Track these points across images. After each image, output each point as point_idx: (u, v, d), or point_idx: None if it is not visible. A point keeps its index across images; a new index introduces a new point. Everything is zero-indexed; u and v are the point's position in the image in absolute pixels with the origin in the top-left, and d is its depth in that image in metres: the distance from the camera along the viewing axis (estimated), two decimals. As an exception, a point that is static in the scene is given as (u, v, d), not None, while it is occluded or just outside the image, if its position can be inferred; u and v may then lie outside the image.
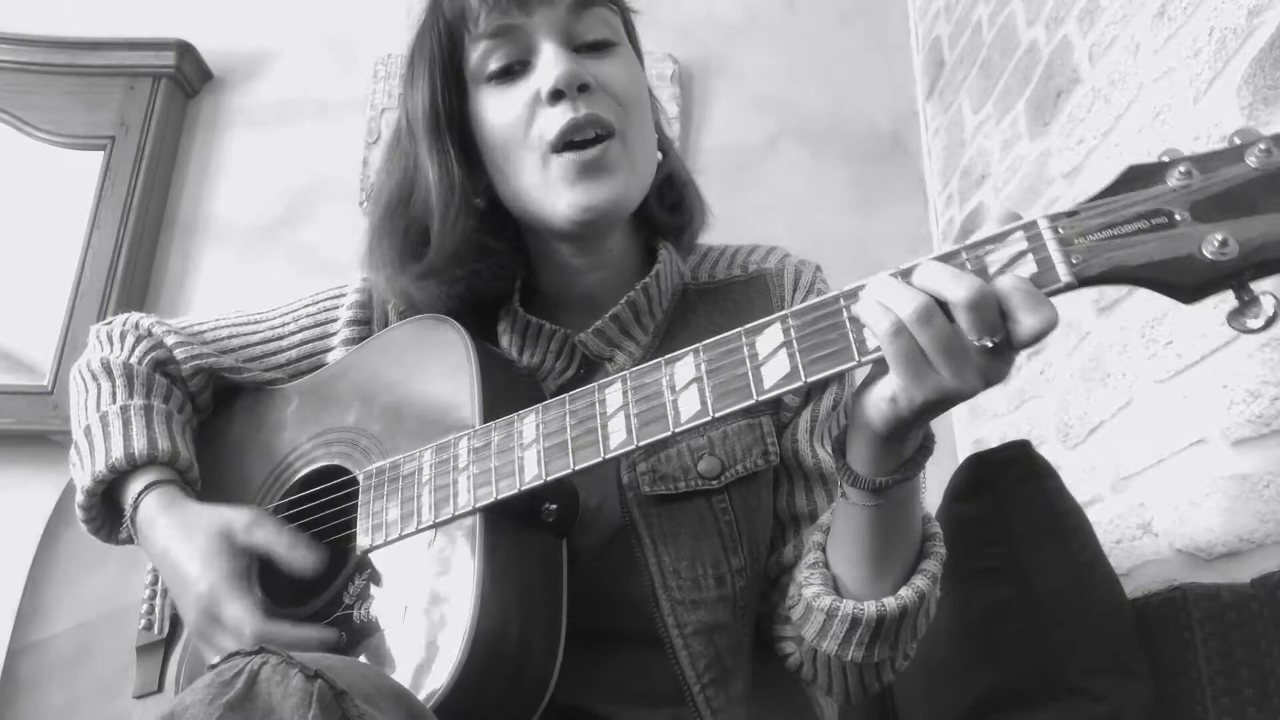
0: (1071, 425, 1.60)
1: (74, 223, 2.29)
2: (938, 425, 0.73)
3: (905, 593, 0.76)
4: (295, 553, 0.83)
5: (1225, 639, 1.02)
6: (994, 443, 1.56)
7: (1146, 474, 1.35)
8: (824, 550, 0.81)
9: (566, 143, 0.84)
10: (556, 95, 0.84)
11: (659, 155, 0.94)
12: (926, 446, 0.72)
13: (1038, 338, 0.59)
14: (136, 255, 2.29)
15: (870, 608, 0.76)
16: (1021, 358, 1.81)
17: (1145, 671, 1.08)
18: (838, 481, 0.76)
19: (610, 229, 0.92)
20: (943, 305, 0.61)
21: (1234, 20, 1.17)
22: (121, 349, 1.02)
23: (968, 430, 2.10)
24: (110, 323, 1.06)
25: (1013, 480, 1.17)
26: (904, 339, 0.61)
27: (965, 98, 2.17)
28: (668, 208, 0.97)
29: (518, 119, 0.86)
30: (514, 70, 0.87)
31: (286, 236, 2.35)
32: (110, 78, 2.39)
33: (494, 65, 0.87)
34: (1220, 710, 1.01)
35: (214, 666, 0.59)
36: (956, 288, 0.60)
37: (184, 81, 2.46)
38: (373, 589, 0.81)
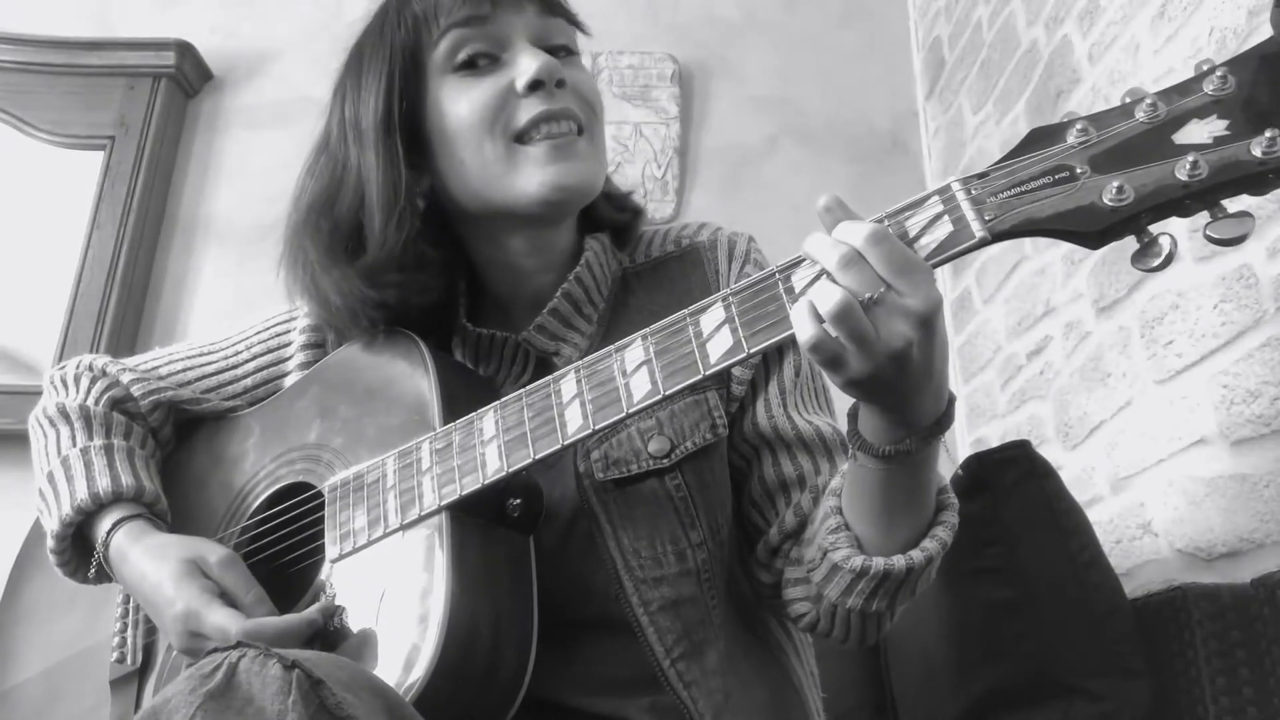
0: (1071, 425, 1.60)
1: (74, 223, 2.29)
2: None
3: (916, 555, 0.77)
4: (258, 608, 0.83)
5: (1225, 639, 1.02)
6: (994, 443, 1.57)
7: (1146, 474, 1.35)
8: (841, 513, 0.81)
9: (539, 133, 0.87)
10: (535, 85, 0.87)
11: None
12: (942, 423, 0.72)
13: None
14: (136, 255, 2.30)
15: (899, 561, 0.77)
16: (1022, 357, 1.81)
17: (1145, 671, 1.08)
18: (846, 447, 0.77)
19: (567, 218, 0.95)
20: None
21: (1234, 20, 1.17)
22: (77, 392, 1.02)
23: (968, 430, 2.10)
24: (64, 366, 1.06)
25: (1012, 480, 1.18)
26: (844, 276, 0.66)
27: (965, 98, 2.17)
28: (614, 206, 1.01)
29: (486, 108, 0.88)
30: (481, 63, 0.89)
31: (286, 236, 2.35)
32: (110, 78, 2.39)
33: (464, 55, 0.89)
34: (1220, 710, 1.01)
35: (193, 663, 0.60)
36: (860, 230, 0.67)
37: (184, 81, 2.46)
38: (346, 595, 0.82)
